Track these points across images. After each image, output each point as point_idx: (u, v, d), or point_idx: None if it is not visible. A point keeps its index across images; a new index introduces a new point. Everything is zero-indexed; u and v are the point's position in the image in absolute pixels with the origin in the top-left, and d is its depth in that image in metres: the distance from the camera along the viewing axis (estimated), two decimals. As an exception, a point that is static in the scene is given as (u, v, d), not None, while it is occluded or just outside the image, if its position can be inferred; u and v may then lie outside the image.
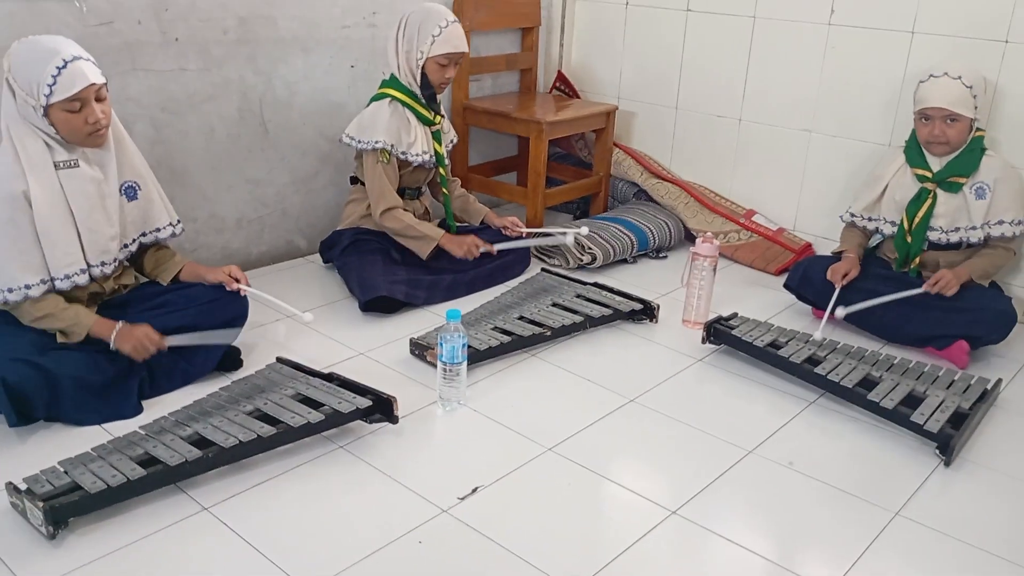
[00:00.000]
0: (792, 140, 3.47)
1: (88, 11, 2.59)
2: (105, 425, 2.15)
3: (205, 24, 2.88)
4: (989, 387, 2.42)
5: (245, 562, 1.74)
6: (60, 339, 2.20)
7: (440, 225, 3.22)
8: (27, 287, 2.13)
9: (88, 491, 1.77)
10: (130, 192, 2.33)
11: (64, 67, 2.05)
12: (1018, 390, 2.57)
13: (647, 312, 2.89)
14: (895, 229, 2.82)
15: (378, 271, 2.87)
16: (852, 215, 2.94)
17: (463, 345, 2.26)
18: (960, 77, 2.63)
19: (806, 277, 2.92)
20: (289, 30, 3.11)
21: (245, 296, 2.45)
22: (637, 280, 3.25)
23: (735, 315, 2.79)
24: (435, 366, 2.35)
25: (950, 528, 1.93)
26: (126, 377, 2.24)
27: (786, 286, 3.01)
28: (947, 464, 2.15)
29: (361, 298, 2.83)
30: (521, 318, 2.73)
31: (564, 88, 4.04)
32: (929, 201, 2.73)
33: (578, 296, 2.91)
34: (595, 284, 3.01)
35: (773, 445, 2.23)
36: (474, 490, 1.98)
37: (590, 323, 2.78)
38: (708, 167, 3.74)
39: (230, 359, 2.44)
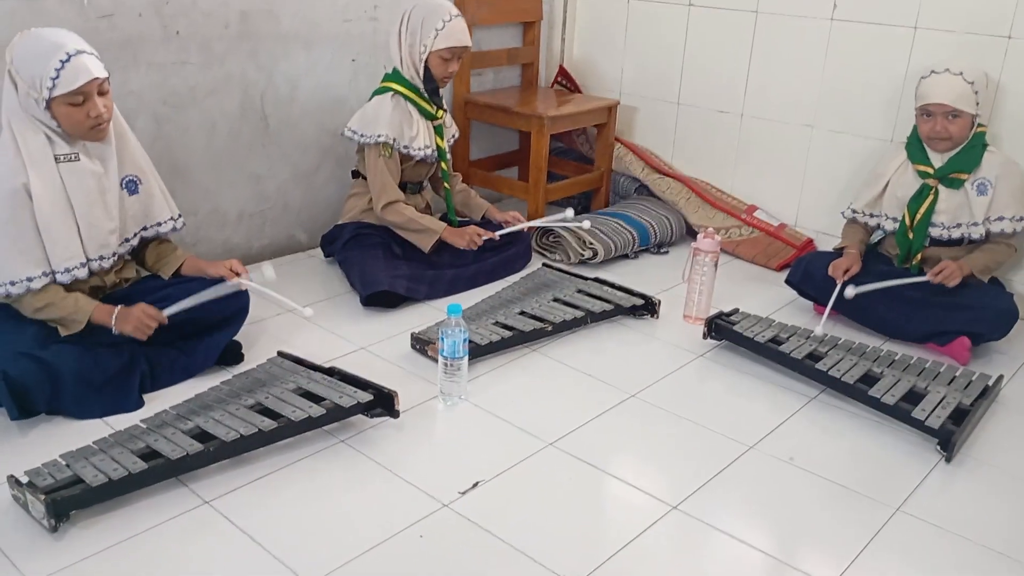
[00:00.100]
0: (794, 136, 3.46)
1: (89, 4, 2.58)
2: (106, 419, 2.16)
3: (206, 18, 2.87)
4: (990, 383, 2.42)
5: (246, 556, 1.74)
6: (63, 331, 2.20)
7: (442, 219, 3.22)
8: (29, 279, 2.13)
9: (89, 484, 1.77)
10: (131, 186, 2.33)
11: (67, 61, 2.05)
12: (1019, 387, 2.57)
13: (648, 308, 2.89)
14: (896, 225, 2.81)
15: (379, 265, 2.87)
16: (854, 211, 2.94)
17: (464, 340, 2.26)
18: (962, 73, 2.63)
19: (807, 273, 2.92)
20: (290, 25, 3.10)
21: (246, 290, 2.45)
22: (638, 275, 3.25)
23: (736, 311, 2.79)
24: (436, 361, 2.35)
25: (951, 524, 1.93)
26: (127, 371, 2.24)
27: (787, 282, 3.01)
28: (948, 460, 2.16)
29: (362, 292, 2.84)
30: (522, 313, 2.73)
31: (566, 83, 4.04)
32: (931, 197, 2.72)
33: (579, 291, 2.91)
34: (596, 279, 3.01)
35: (774, 441, 2.23)
36: (475, 485, 1.98)
37: (591, 318, 2.78)
38: (710, 162, 3.74)
39: (231, 353, 2.44)
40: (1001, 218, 2.68)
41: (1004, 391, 2.52)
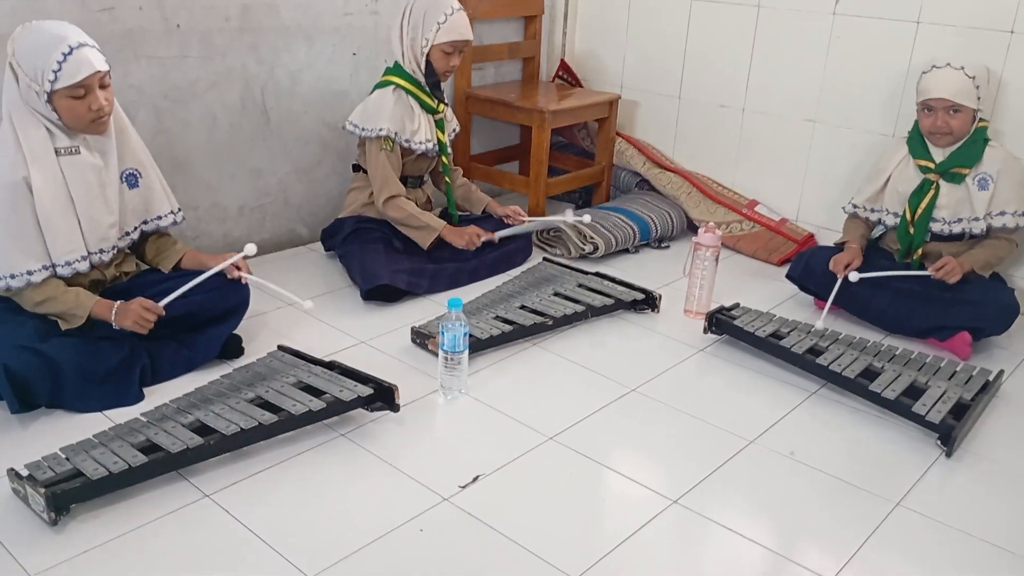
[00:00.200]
0: (795, 130, 3.46)
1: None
2: (106, 412, 2.16)
3: (207, 12, 2.87)
4: (991, 379, 2.42)
5: (247, 549, 1.74)
6: (63, 325, 2.20)
7: (442, 214, 3.22)
8: (29, 273, 2.13)
9: (90, 477, 1.77)
10: (131, 180, 2.33)
11: (70, 53, 2.04)
12: (1020, 382, 2.57)
13: (649, 302, 2.89)
14: (898, 220, 2.81)
15: (380, 260, 2.87)
16: (855, 206, 2.94)
17: (464, 334, 2.26)
18: (963, 68, 2.63)
19: (808, 268, 2.92)
20: (291, 18, 3.10)
21: (246, 284, 2.45)
22: (639, 270, 3.25)
23: (737, 305, 2.79)
24: (436, 355, 2.35)
25: (951, 519, 1.93)
26: (128, 365, 2.24)
27: (788, 277, 3.01)
28: (948, 455, 2.16)
29: (363, 286, 2.83)
30: (523, 307, 2.72)
31: (567, 77, 4.03)
32: (932, 192, 2.72)
33: (580, 286, 2.91)
34: (597, 274, 3.01)
35: (774, 435, 2.23)
36: (475, 479, 1.99)
37: (592, 313, 2.78)
38: (711, 157, 3.73)
39: (231, 347, 2.44)
40: (1003, 213, 2.67)
41: (1005, 386, 2.52)
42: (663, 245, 3.55)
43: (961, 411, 2.24)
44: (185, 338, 2.37)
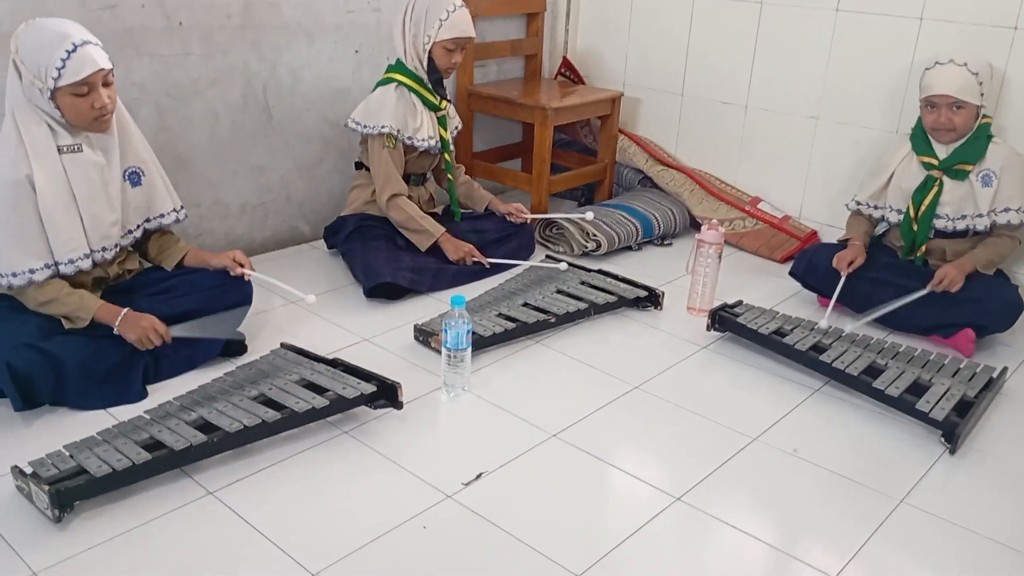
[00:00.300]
0: (798, 127, 3.45)
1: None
2: (110, 410, 2.16)
3: (208, 9, 2.86)
4: (995, 375, 2.41)
5: (250, 546, 1.74)
6: (66, 324, 2.20)
7: (445, 211, 3.22)
8: (31, 271, 2.13)
9: (93, 475, 1.77)
10: (133, 178, 2.33)
11: (73, 51, 2.04)
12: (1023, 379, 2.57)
13: (652, 299, 2.89)
14: (901, 217, 2.81)
15: (382, 257, 2.87)
16: (858, 203, 2.93)
17: (467, 331, 2.26)
18: (966, 64, 2.62)
19: (811, 265, 2.92)
20: (293, 16, 3.10)
21: (249, 281, 2.45)
22: (642, 267, 3.25)
23: (740, 303, 2.79)
24: (440, 352, 2.34)
25: (954, 516, 1.93)
26: (131, 362, 2.24)
27: (791, 274, 3.01)
28: (952, 452, 2.15)
29: (365, 284, 2.83)
30: (526, 305, 2.72)
31: (569, 74, 4.03)
32: (935, 189, 2.71)
33: (582, 283, 2.91)
34: (600, 271, 3.01)
35: (777, 433, 2.22)
36: (478, 476, 1.99)
37: (594, 310, 2.78)
38: (713, 154, 3.73)
39: (234, 344, 2.44)
40: (1007, 209, 2.66)
41: (1008, 383, 2.51)
42: (666, 242, 3.55)
43: (965, 408, 2.24)
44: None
